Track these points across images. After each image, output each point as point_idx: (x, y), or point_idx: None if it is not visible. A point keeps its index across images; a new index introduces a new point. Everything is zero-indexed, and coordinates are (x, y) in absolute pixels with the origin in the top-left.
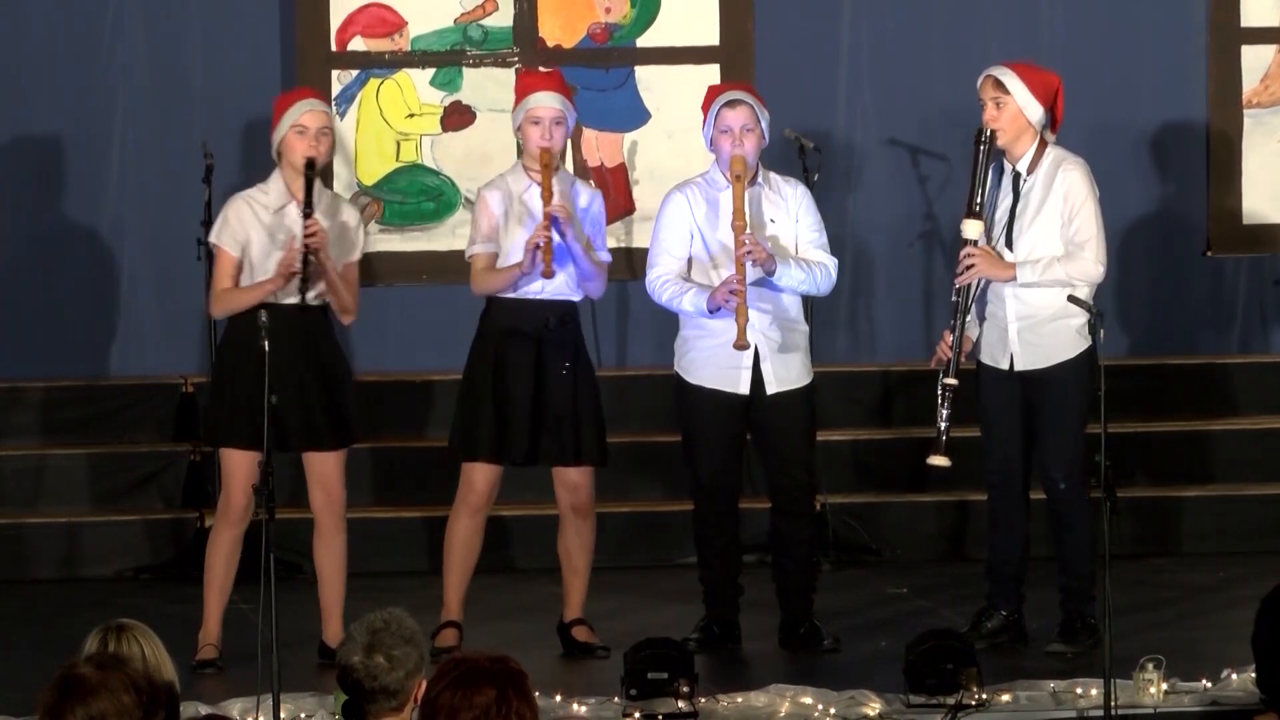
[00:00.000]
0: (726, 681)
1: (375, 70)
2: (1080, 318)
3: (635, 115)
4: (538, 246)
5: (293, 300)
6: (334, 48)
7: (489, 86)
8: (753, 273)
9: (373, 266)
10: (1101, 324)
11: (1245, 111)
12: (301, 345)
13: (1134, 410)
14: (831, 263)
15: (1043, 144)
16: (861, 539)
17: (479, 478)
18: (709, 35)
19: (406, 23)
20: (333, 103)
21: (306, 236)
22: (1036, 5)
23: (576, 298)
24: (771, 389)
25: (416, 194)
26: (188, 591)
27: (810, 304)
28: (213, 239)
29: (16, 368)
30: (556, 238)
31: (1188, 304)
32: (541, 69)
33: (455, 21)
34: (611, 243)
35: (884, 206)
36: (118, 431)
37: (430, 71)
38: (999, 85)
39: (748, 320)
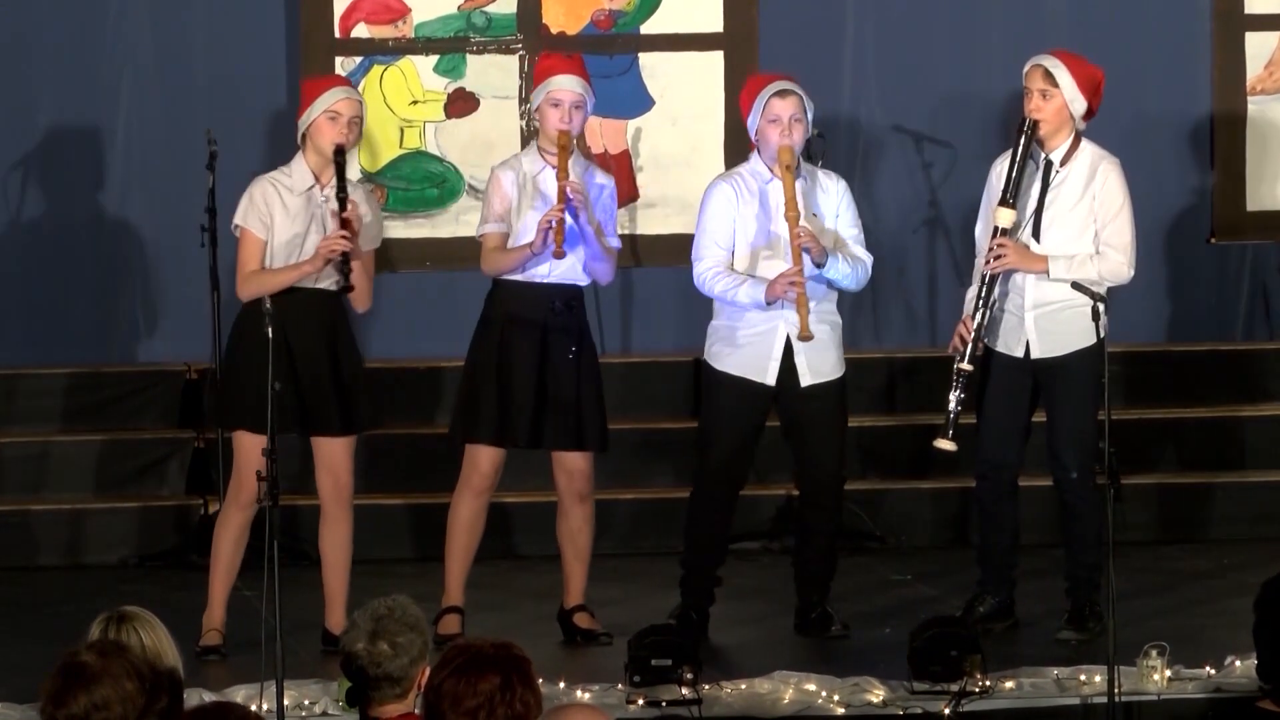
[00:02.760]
0: (730, 668)
1: (379, 57)
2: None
3: (639, 102)
4: (550, 226)
5: (323, 285)
6: (338, 34)
7: (493, 73)
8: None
9: (378, 254)
10: (1106, 310)
11: (1249, 98)
12: (324, 330)
13: (1155, 397)
14: (869, 259)
15: (1078, 137)
16: (865, 526)
17: (483, 459)
18: (713, 21)
19: (410, 9)
20: None
21: (346, 222)
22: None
23: (583, 282)
24: (806, 381)
25: (420, 180)
26: (192, 578)
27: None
28: (238, 220)
29: (21, 354)
30: (569, 219)
31: (1191, 291)
32: (564, 53)
33: (459, 8)
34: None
35: (889, 193)
36: (122, 418)
37: (434, 58)
38: (1049, 77)
39: (809, 311)
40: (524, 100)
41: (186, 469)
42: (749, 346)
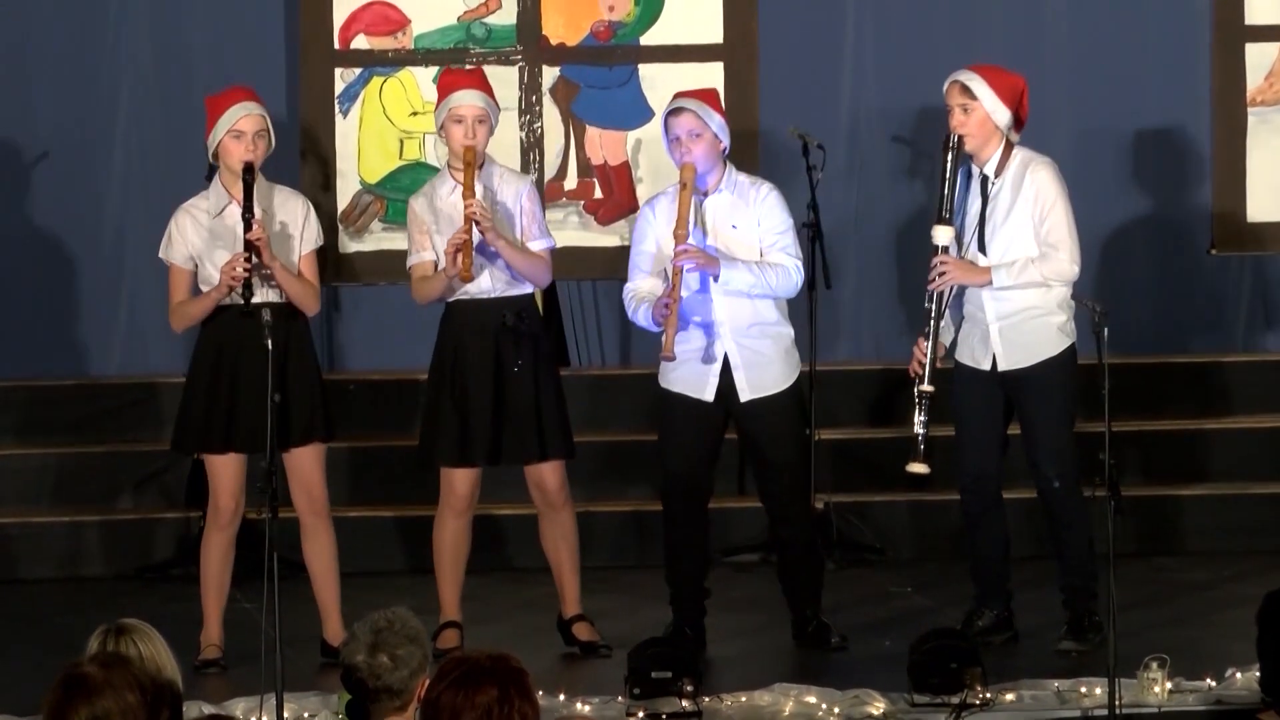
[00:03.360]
0: (730, 681)
1: (378, 68)
2: (1062, 314)
3: (639, 113)
4: (457, 248)
5: (265, 299)
6: (337, 46)
7: (493, 84)
8: (693, 280)
9: (375, 264)
10: (1106, 322)
11: (1249, 110)
12: (268, 345)
13: (1134, 409)
14: (792, 263)
15: (1009, 146)
16: (865, 538)
17: (457, 481)
18: (713, 33)
19: (410, 21)
20: (335, 100)
21: (249, 240)
22: (1040, 2)
23: (527, 290)
24: (745, 397)
25: None
26: (190, 591)
27: (814, 301)
28: (161, 255)
29: (21, 365)
30: (477, 238)
31: (1190, 303)
32: (466, 67)
33: (459, 19)
34: (614, 240)
35: (888, 203)
36: (120, 430)
37: (434, 70)
38: (966, 90)
39: (677, 331)
40: (524, 112)
41: (184, 481)
42: (688, 363)
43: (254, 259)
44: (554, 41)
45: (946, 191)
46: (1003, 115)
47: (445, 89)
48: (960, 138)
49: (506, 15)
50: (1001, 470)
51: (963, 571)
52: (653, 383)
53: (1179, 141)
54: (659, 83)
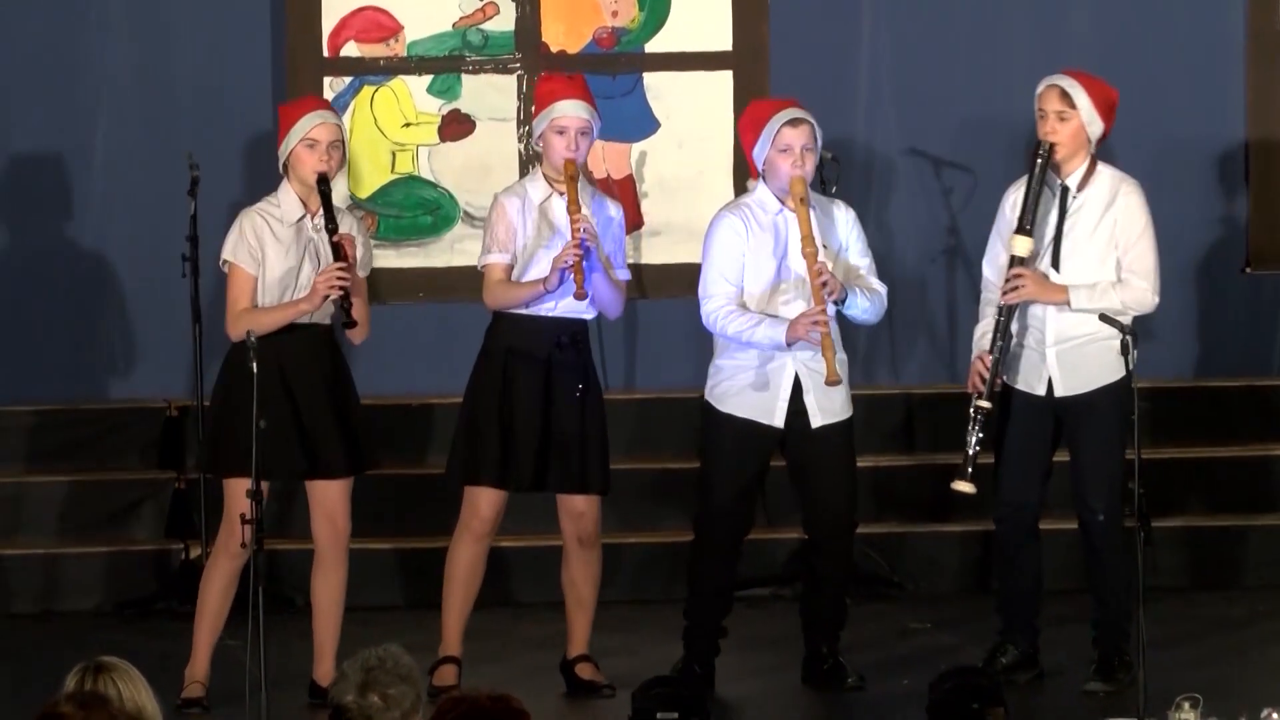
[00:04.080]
0: None
1: (370, 77)
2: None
3: (644, 124)
4: (567, 265)
5: (318, 320)
6: (326, 53)
7: (489, 94)
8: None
9: (369, 284)
10: (1135, 344)
11: None
12: (324, 367)
13: (1186, 435)
14: (884, 290)
15: (1093, 160)
16: (882, 571)
17: (483, 503)
18: (721, 40)
19: (403, 27)
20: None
21: (340, 254)
22: (1065, 9)
23: (589, 316)
24: (816, 422)
25: (413, 207)
26: (171, 627)
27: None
28: (227, 255)
29: None
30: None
31: (1225, 322)
32: (565, 74)
33: (454, 26)
34: None
35: (906, 220)
36: (99, 458)
37: (428, 78)
38: (1065, 97)
39: (835, 353)
40: (522, 123)
41: (166, 512)
42: (755, 387)
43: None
44: (554, 49)
45: (1031, 201)
46: (1097, 128)
47: (546, 96)
48: (1052, 146)
49: (504, 21)
50: (1042, 501)
51: (985, 606)
52: (656, 408)
53: (1212, 155)
54: (664, 92)
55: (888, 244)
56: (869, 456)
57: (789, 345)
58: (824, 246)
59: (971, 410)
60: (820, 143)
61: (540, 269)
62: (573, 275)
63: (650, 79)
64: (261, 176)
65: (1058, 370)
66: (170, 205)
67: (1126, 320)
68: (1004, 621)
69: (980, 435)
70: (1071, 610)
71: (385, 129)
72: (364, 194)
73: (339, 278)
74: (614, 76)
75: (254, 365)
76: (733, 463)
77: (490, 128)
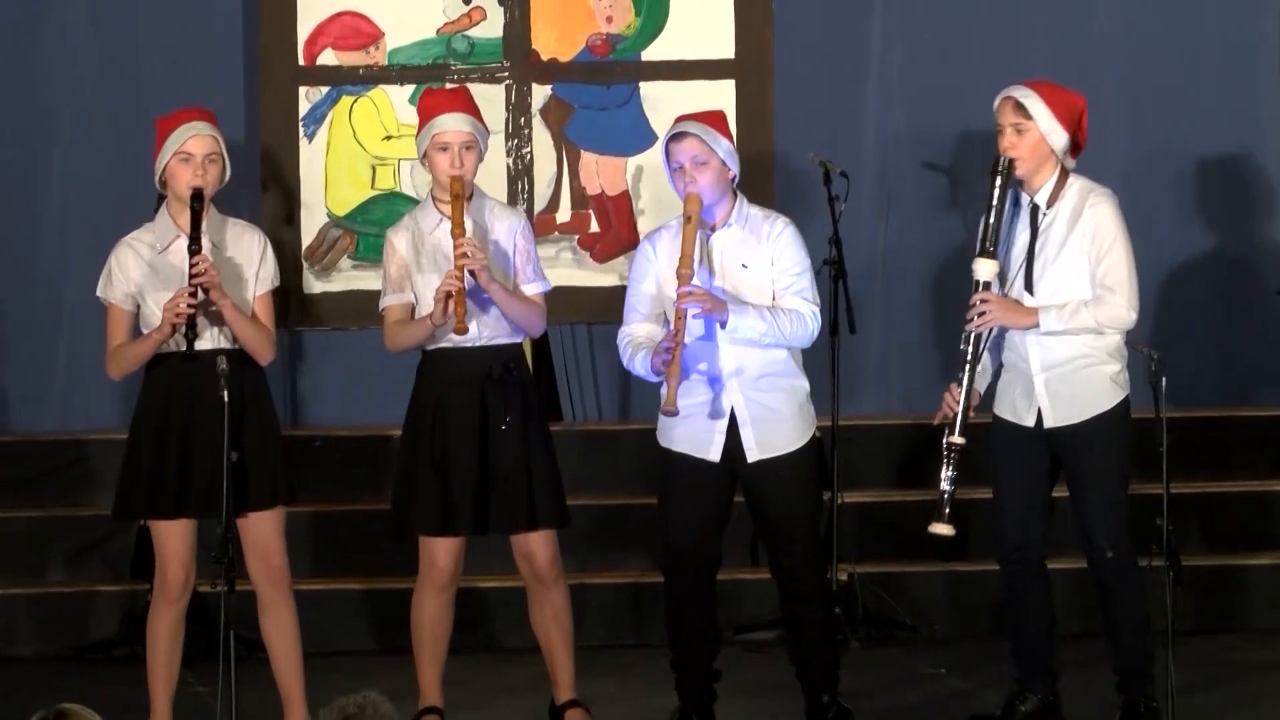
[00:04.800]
0: None
1: (348, 87)
2: (1115, 364)
3: (640, 137)
4: (449, 295)
5: (216, 345)
6: (302, 62)
7: (479, 106)
8: (698, 324)
9: (343, 307)
10: (1165, 371)
11: None
12: (220, 396)
13: (1195, 469)
14: (809, 309)
15: (1064, 173)
16: (893, 612)
17: (438, 553)
18: (724, 47)
19: (383, 34)
20: (300, 123)
21: (193, 276)
22: (1086, 17)
23: (519, 338)
24: (752, 456)
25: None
26: (135, 673)
27: (836, 348)
28: (99, 293)
29: None
30: (468, 281)
31: (1257, 349)
32: (448, 85)
33: (438, 32)
34: (613, 280)
35: (918, 238)
36: (58, 493)
37: (410, 88)
38: (1020, 109)
39: (680, 382)
40: (511, 135)
41: (130, 550)
42: (691, 419)
43: (200, 296)
44: (545, 57)
45: (992, 221)
46: (1059, 138)
47: (427, 111)
48: (1011, 161)
49: (492, 28)
50: (1044, 538)
51: (1003, 650)
52: (654, 440)
53: (1242, 170)
54: (663, 103)
55: (899, 261)
56: (877, 490)
57: (656, 374)
58: (742, 267)
59: (944, 446)
60: (725, 151)
61: (429, 304)
62: (454, 307)
63: (647, 89)
64: (231, 192)
65: (1047, 399)
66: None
67: (1114, 345)
68: (1020, 668)
69: (954, 473)
70: (1092, 654)
71: (365, 142)
72: (342, 211)
73: (187, 304)
74: (609, 86)
75: (224, 393)
76: (680, 500)
77: None
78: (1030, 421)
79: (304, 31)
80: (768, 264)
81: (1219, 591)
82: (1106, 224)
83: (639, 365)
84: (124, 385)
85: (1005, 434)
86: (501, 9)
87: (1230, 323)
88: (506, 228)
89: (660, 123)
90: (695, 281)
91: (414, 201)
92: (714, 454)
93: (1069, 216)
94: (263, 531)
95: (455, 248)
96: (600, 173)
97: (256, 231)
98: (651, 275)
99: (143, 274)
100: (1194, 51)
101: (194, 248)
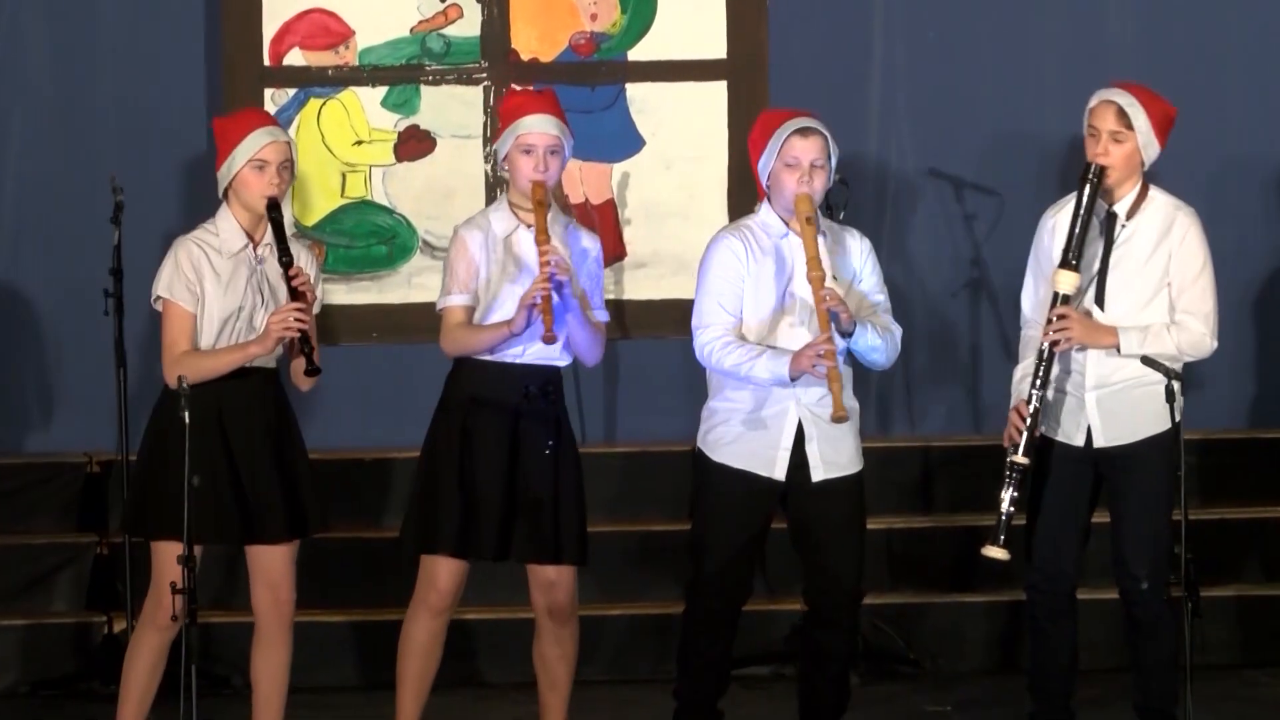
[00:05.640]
0: None
1: (316, 89)
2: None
3: (627, 142)
4: (535, 304)
5: (262, 364)
6: (268, 62)
7: (452, 108)
8: (806, 329)
9: (317, 323)
10: (1182, 390)
11: None
12: (267, 417)
13: (1216, 493)
14: (898, 331)
15: (1145, 185)
16: (896, 646)
17: (442, 574)
18: (715, 46)
19: (354, 32)
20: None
21: (295, 290)
22: (1104, 11)
23: (563, 363)
24: (818, 475)
25: (365, 236)
26: (92, 709)
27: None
28: (161, 291)
29: None
30: (555, 295)
31: None
32: (533, 88)
33: (412, 31)
34: None
35: (924, 250)
36: (10, 519)
37: (382, 90)
38: (1122, 117)
39: (842, 387)
40: (488, 140)
41: (87, 580)
42: (753, 433)
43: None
44: (525, 57)
45: (1078, 231)
46: (1154, 151)
47: (511, 112)
48: (1103, 169)
49: (469, 26)
50: (1079, 567)
51: (1012, 686)
52: (641, 462)
53: (1272, 177)
54: (650, 105)
55: (904, 277)
56: (882, 517)
57: (793, 380)
58: (834, 276)
59: (1007, 466)
60: (835, 162)
61: (506, 310)
62: (540, 315)
63: (634, 90)
64: (194, 200)
65: (1098, 418)
66: (92, 234)
67: (1177, 366)
68: (1035, 703)
69: (1015, 494)
70: (1112, 691)
71: (334, 147)
72: (310, 220)
73: (296, 318)
74: (593, 88)
75: (185, 415)
76: (728, 521)
77: (452, 146)
78: (1079, 441)
79: (269, 30)
80: (853, 278)
81: (1240, 624)
82: (1195, 248)
83: (762, 368)
84: (77, 408)
85: (1053, 454)
86: (479, 6)
87: (1256, 338)
88: (584, 249)
89: (647, 126)
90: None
91: (387, 211)
92: (779, 472)
93: (1155, 234)
94: (276, 563)
95: (541, 254)
96: (584, 179)
97: (307, 248)
98: (738, 273)
99: (209, 278)
100: (1218, 51)
101: (286, 260)
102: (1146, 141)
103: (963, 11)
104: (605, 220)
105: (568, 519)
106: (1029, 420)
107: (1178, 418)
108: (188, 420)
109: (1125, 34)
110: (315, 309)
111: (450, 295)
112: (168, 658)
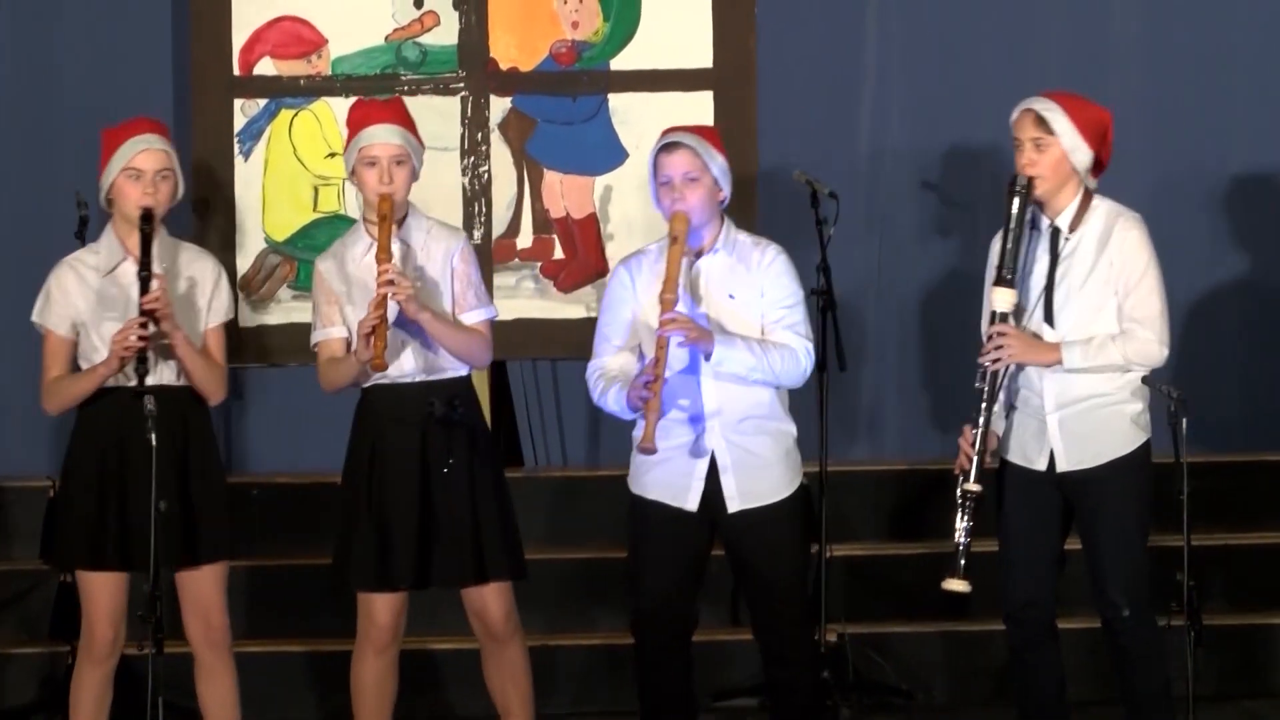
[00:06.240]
0: None
1: (288, 99)
2: (1136, 403)
3: (609, 154)
4: (371, 331)
5: (169, 381)
6: (237, 71)
7: (429, 118)
8: (680, 357)
9: (283, 341)
10: (1185, 412)
11: None
12: (171, 438)
13: (1218, 518)
14: (801, 345)
15: (1087, 194)
16: (887, 677)
17: (377, 610)
18: (701, 55)
19: (327, 41)
20: (235, 139)
21: (146, 304)
22: (1106, 24)
23: (463, 371)
24: (733, 506)
25: None
26: None
27: (824, 387)
28: (35, 317)
29: None
30: (394, 311)
31: None
32: (379, 98)
33: (387, 39)
34: (579, 311)
35: (915, 265)
36: None
37: (356, 100)
38: (1041, 123)
39: (659, 417)
40: (467, 152)
41: (50, 609)
42: (668, 464)
43: (151, 328)
44: (504, 66)
45: (1010, 246)
46: (1083, 156)
47: (355, 124)
48: (1030, 180)
49: (446, 34)
50: (1055, 594)
51: (1006, 718)
52: (625, 486)
53: (1276, 192)
54: (633, 117)
55: (893, 294)
56: (869, 543)
57: (634, 411)
58: (729, 298)
59: (959, 495)
60: (719, 168)
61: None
62: (373, 343)
63: (617, 101)
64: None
65: (1060, 441)
66: (54, 250)
67: (1136, 382)
68: None
69: (970, 524)
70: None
71: (306, 160)
72: (281, 236)
73: (139, 335)
74: (574, 98)
75: (152, 436)
76: (654, 553)
77: (429, 158)
78: (1042, 465)
79: (239, 38)
80: (757, 295)
81: (1244, 652)
82: (1136, 252)
83: (612, 401)
84: (39, 430)
85: (1014, 481)
86: (456, 14)
87: (1260, 359)
88: (443, 250)
89: (630, 138)
90: (680, 308)
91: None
92: (691, 502)
93: (1095, 243)
94: (203, 589)
95: (379, 275)
96: (565, 193)
97: (211, 258)
98: (628, 302)
99: (86, 299)
100: (1227, 59)
101: (145, 274)
102: (1073, 145)
103: (959, 18)
104: (586, 235)
105: (491, 535)
106: (976, 445)
107: (1177, 437)
108: (155, 441)
109: (1130, 40)
110: (223, 316)
111: (315, 331)
112: (131, 690)
